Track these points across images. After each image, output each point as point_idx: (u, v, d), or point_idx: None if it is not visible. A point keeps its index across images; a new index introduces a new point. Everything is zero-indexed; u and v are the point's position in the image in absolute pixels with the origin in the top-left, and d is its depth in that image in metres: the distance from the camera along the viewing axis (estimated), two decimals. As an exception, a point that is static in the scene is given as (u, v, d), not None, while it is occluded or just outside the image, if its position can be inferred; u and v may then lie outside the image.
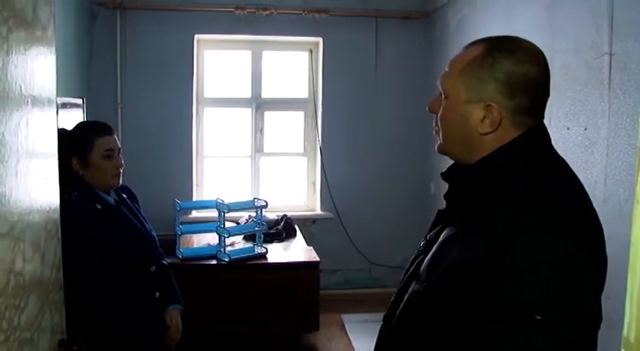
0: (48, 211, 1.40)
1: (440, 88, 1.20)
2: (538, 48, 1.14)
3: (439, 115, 1.19)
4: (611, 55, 2.44)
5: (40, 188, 1.34)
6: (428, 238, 1.25)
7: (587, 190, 1.12)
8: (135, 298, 2.15)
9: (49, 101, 1.40)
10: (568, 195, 1.07)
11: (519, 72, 1.08)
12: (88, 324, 1.96)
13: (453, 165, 1.24)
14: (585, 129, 2.58)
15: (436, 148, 1.25)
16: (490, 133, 1.11)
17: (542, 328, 0.93)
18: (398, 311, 1.24)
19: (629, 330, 0.53)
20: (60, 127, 2.19)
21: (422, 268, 1.20)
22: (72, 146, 2.10)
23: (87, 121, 2.27)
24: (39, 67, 1.31)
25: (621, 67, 2.38)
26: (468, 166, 1.17)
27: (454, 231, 1.14)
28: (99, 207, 2.10)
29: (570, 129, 2.64)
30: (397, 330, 1.24)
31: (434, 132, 1.24)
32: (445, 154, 1.23)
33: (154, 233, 2.34)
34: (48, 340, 1.39)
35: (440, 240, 1.17)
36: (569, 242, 0.98)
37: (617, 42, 2.40)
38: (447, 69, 1.19)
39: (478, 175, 1.14)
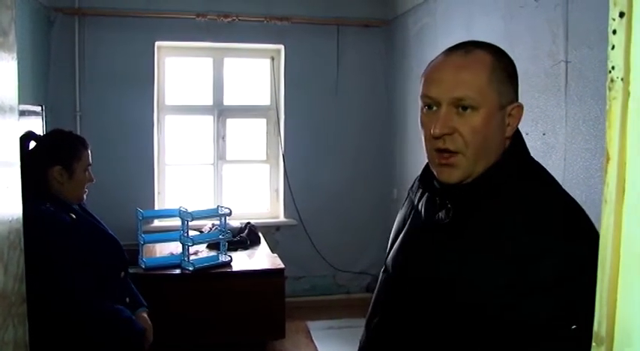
0: (10, 222, 1.36)
1: (464, 102, 1.09)
2: None
3: (465, 131, 1.08)
4: (566, 62, 2.52)
5: (2, 198, 1.30)
6: (421, 243, 1.20)
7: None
8: (114, 305, 2.16)
9: (11, 109, 1.37)
10: (565, 198, 1.10)
11: (513, 68, 1.14)
12: (74, 335, 1.96)
13: (426, 172, 1.23)
14: (544, 134, 2.66)
15: (448, 176, 1.13)
16: (511, 135, 1.13)
17: (579, 339, 0.89)
18: (392, 328, 1.21)
19: (599, 326, 0.56)
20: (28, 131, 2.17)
21: (429, 281, 1.14)
22: (59, 154, 2.10)
23: (64, 130, 2.25)
24: (0, 73, 1.28)
25: (577, 74, 2.46)
26: (477, 177, 1.12)
27: (463, 243, 1.10)
28: (74, 217, 2.09)
29: (529, 134, 2.72)
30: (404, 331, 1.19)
31: (445, 158, 1.11)
32: (463, 180, 1.12)
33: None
34: (11, 354, 1.35)
35: (445, 253, 1.12)
36: (589, 250, 0.97)
37: (573, 50, 2.48)
38: (456, 78, 1.09)
39: (486, 185, 1.11)
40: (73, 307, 1.98)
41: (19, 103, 1.44)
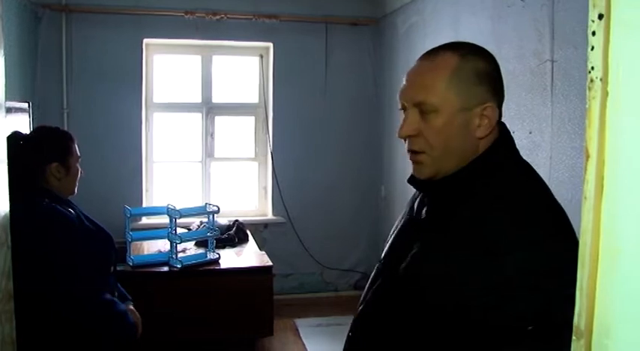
0: (-3, 218, 1.35)
1: (424, 106, 1.13)
2: None
3: (428, 133, 1.12)
4: (552, 62, 2.55)
5: (-11, 195, 1.30)
6: (404, 239, 1.23)
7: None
8: (112, 298, 2.18)
9: (-2, 105, 1.36)
10: (547, 197, 1.12)
11: (492, 70, 1.14)
12: (72, 329, 1.97)
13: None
14: (530, 132, 2.68)
15: (419, 173, 1.18)
16: (488, 135, 1.13)
17: (539, 339, 0.93)
18: (369, 316, 1.24)
19: (579, 318, 0.57)
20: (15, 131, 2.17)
21: (409, 277, 1.17)
22: (54, 151, 2.11)
23: (50, 126, 2.26)
24: (-12, 70, 1.27)
25: (562, 74, 2.49)
26: (450, 174, 1.15)
27: (440, 239, 1.12)
28: (73, 212, 2.09)
29: (515, 132, 2.74)
30: (371, 339, 1.23)
31: (413, 156, 1.17)
32: (434, 176, 1.16)
33: None
34: (-2, 351, 1.35)
35: (421, 249, 1.15)
36: (564, 246, 0.98)
37: (558, 50, 2.51)
38: (417, 82, 1.14)
39: (461, 183, 1.13)
40: (76, 301, 1.99)
41: (6, 99, 1.43)
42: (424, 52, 1.21)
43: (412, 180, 1.26)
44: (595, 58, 0.54)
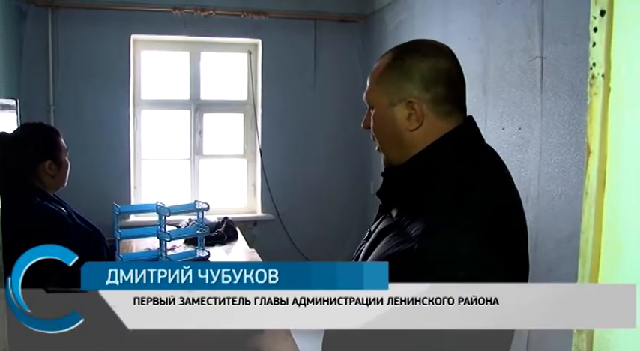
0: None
1: (366, 103, 1.26)
2: (442, 44, 1.23)
3: (372, 127, 1.25)
4: (542, 58, 2.56)
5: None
6: (371, 229, 1.30)
7: (521, 187, 1.20)
8: None
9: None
10: (490, 192, 1.13)
11: (427, 65, 1.17)
12: None
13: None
14: (519, 129, 2.70)
15: (382, 163, 1.29)
16: (418, 128, 1.18)
17: None
18: None
19: (580, 313, 0.58)
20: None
21: (360, 258, 1.27)
22: (45, 149, 2.10)
23: (35, 123, 2.23)
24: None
25: (552, 70, 2.50)
26: (400, 164, 1.23)
27: (386, 224, 1.21)
28: (65, 211, 2.08)
29: (505, 129, 2.76)
30: None
31: (376, 148, 1.29)
32: (390, 165, 1.27)
33: None
34: (-11, 351, 1.33)
35: (375, 232, 1.24)
36: (479, 242, 1.03)
37: (548, 46, 2.53)
38: (368, 83, 1.26)
39: (408, 173, 1.20)
40: None
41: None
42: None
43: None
44: (597, 55, 0.54)
